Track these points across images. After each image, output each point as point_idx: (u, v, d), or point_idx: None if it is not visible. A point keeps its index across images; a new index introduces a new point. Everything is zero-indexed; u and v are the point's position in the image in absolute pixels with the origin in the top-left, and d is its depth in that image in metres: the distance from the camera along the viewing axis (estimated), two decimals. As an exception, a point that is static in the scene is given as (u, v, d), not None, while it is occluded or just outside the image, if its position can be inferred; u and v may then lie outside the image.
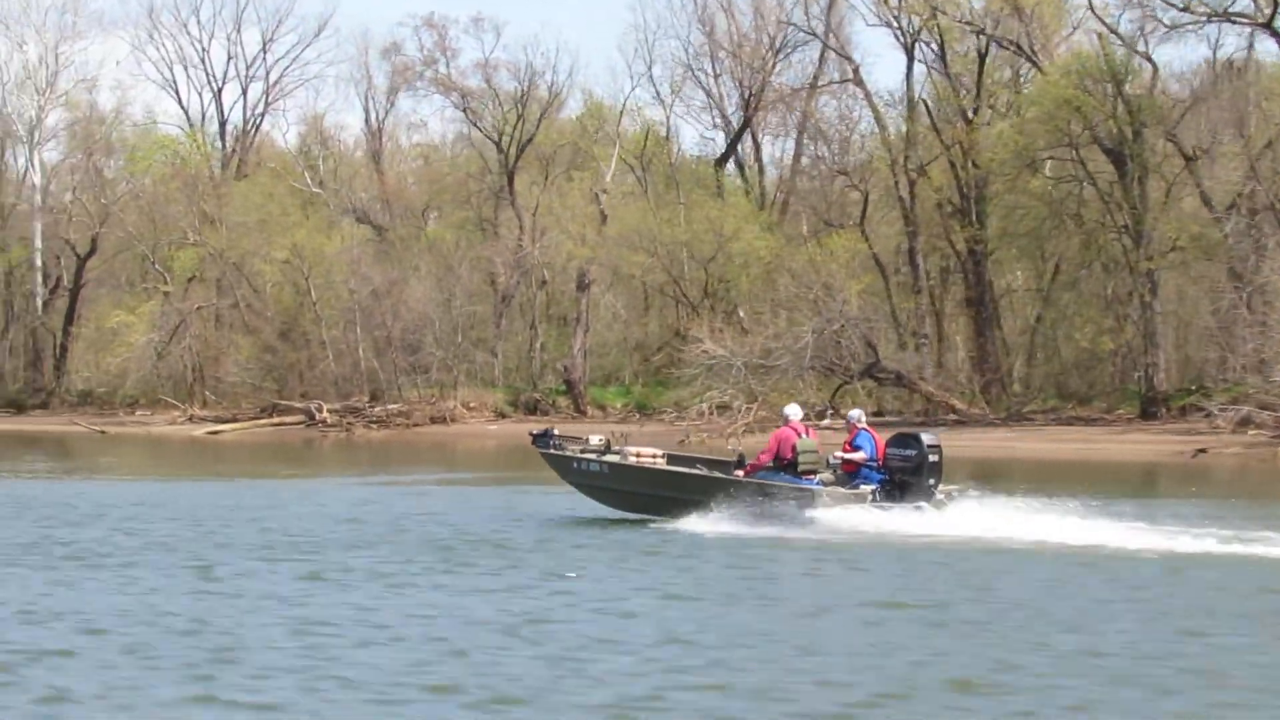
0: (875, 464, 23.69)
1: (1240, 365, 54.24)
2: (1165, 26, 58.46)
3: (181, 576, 18.21)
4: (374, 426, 68.66)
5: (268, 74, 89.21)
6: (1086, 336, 61.06)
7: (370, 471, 43.35)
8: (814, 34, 71.96)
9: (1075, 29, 66.76)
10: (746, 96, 76.16)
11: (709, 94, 79.02)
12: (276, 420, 71.19)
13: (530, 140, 76.96)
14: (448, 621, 15.13)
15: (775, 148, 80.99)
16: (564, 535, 23.15)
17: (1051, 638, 14.46)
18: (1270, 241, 55.04)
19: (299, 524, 24.58)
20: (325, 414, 69.70)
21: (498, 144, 78.04)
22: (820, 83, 74.28)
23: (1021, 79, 67.78)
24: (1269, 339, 52.01)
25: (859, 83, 69.82)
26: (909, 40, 66.29)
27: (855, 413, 24.87)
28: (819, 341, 59.68)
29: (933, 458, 23.37)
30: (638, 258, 71.68)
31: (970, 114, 64.12)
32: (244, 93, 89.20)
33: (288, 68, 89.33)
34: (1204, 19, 58.39)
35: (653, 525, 23.65)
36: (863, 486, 23.49)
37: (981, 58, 64.59)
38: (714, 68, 78.38)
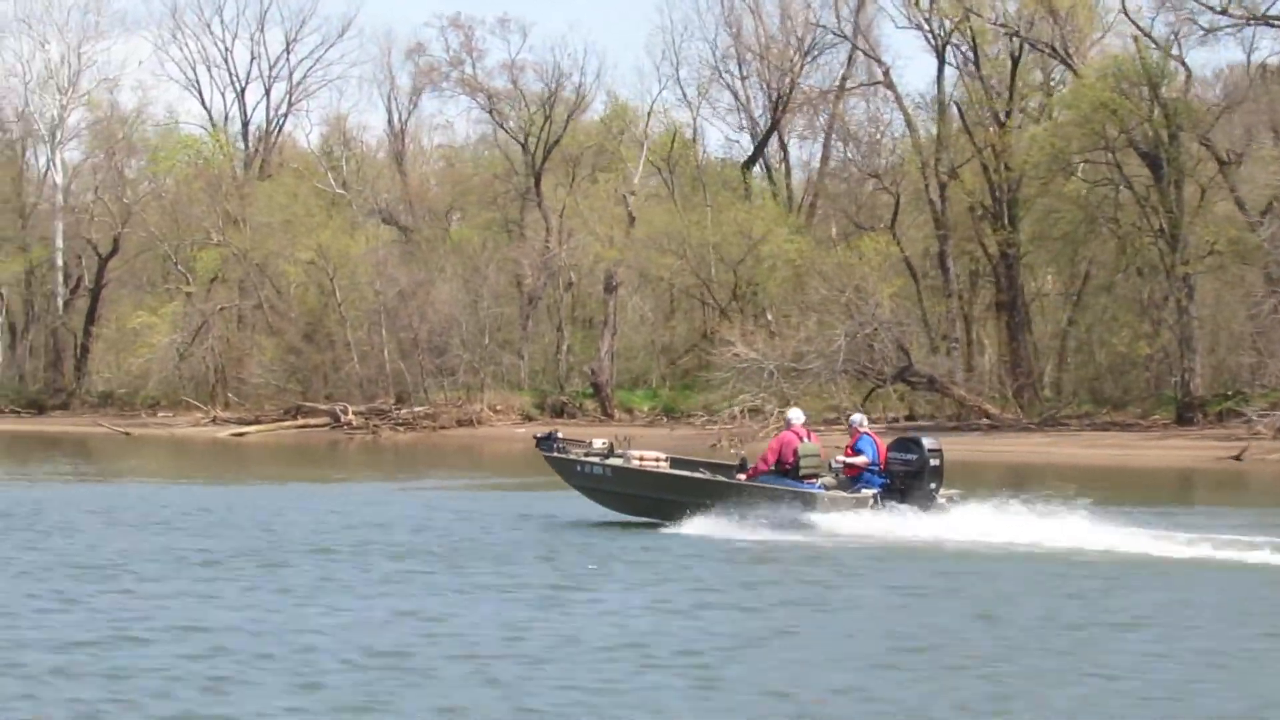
0: (877, 468, 23.70)
1: (1277, 370, 53.73)
2: (1203, 29, 57.95)
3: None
4: (400, 429, 68.23)
5: (291, 74, 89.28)
6: (1123, 341, 60.53)
7: (423, 474, 42.35)
8: (844, 36, 71.55)
9: (1106, 32, 66.47)
10: (774, 98, 75.74)
11: (736, 96, 78.63)
12: (301, 422, 70.71)
13: (557, 142, 76.56)
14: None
15: (802, 150, 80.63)
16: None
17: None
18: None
19: (425, 533, 24.20)
20: (350, 416, 69.26)
21: (523, 145, 77.66)
22: (849, 85, 73.89)
23: (1052, 82, 67.40)
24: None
25: (889, 85, 69.47)
26: (940, 43, 65.93)
27: (857, 417, 24.97)
28: (851, 345, 59.25)
29: (934, 462, 23.41)
30: (666, 260, 71.27)
31: (1003, 117, 63.70)
32: (267, 93, 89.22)
33: (311, 68, 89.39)
34: (1242, 22, 57.97)
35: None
36: (864, 490, 23.49)
37: (1015, 60, 64.18)
38: (741, 70, 78.02)
